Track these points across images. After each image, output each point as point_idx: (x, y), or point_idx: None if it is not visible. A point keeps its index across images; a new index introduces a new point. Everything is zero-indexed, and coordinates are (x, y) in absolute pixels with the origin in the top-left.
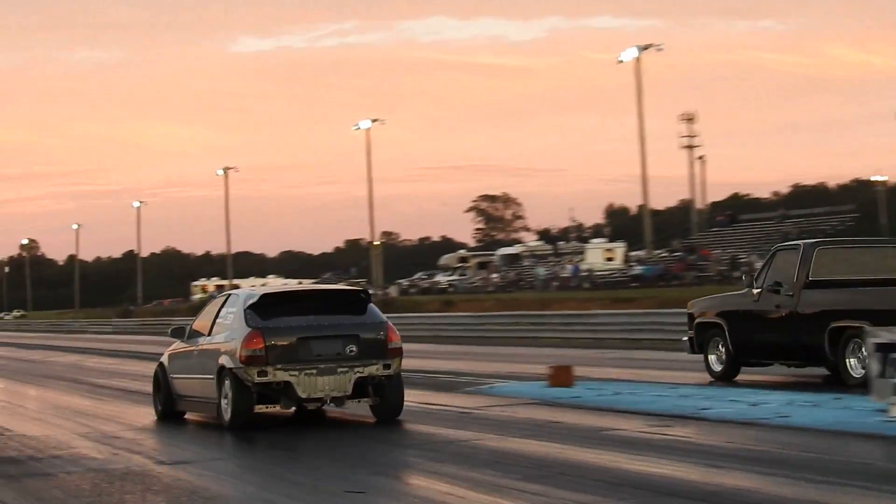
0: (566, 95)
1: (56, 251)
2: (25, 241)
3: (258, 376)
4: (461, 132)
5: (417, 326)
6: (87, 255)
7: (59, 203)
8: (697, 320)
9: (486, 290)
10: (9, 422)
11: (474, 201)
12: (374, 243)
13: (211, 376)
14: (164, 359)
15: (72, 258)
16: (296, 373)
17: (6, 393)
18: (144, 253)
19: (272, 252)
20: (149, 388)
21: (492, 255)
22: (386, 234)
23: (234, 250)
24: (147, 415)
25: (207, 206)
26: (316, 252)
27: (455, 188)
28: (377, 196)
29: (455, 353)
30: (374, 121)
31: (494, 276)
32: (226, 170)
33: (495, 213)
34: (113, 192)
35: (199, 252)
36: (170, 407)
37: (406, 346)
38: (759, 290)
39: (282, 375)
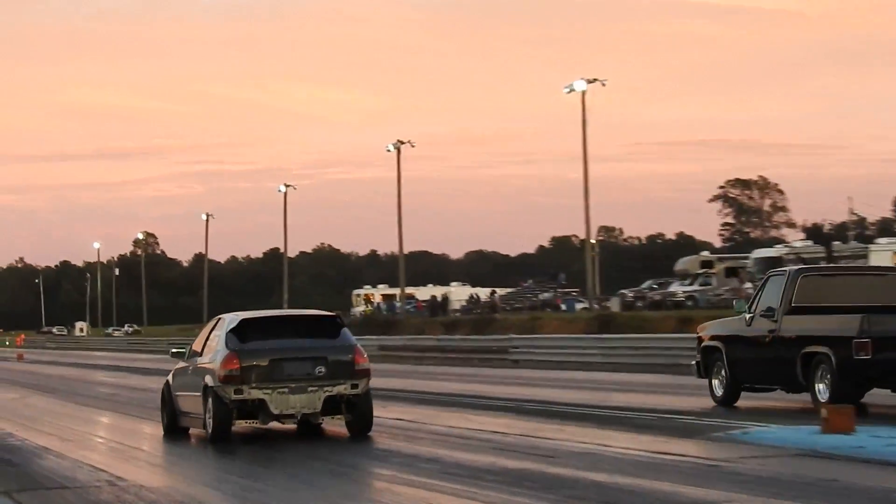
0: (846, 48)
1: (179, 249)
2: (140, 236)
3: (234, 394)
4: (700, 96)
5: (647, 352)
6: (218, 254)
7: (184, 186)
8: (703, 344)
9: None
10: (121, 468)
11: (721, 188)
12: (590, 242)
13: (199, 393)
14: (170, 377)
15: (199, 258)
16: (269, 391)
17: (117, 431)
18: (292, 252)
19: (456, 252)
20: None
21: (744, 258)
22: (605, 229)
23: (407, 250)
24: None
25: (372, 191)
26: (513, 253)
27: (695, 170)
28: (593, 178)
29: (696, 387)
30: (590, 81)
31: (747, 285)
32: (398, 145)
33: (749, 204)
34: (252, 174)
35: (363, 251)
36: (174, 423)
37: (628, 378)
38: (751, 315)
39: (256, 393)
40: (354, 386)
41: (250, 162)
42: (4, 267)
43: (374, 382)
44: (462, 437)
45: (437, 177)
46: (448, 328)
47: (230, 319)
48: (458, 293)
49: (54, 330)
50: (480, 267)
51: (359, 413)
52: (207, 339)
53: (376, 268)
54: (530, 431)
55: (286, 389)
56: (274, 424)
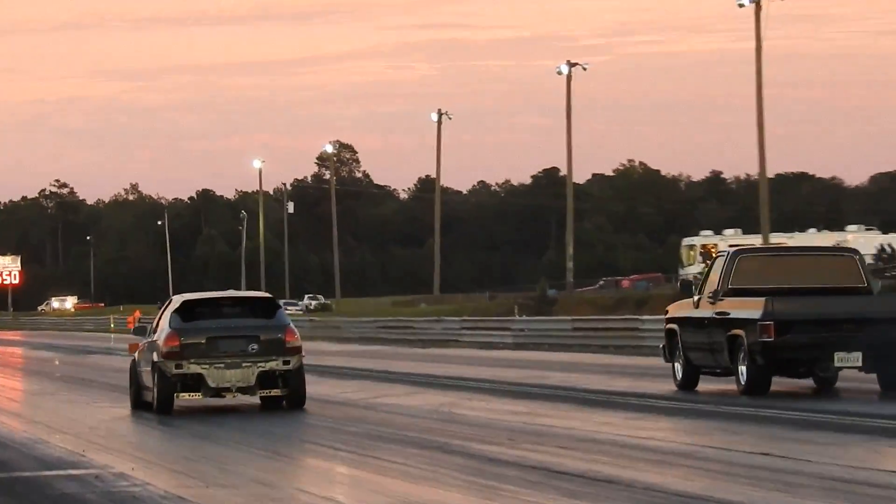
0: None
1: (393, 171)
2: (329, 149)
3: (175, 369)
4: None
5: None
6: (458, 179)
7: (400, 65)
8: (666, 326)
9: None
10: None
11: None
12: None
13: (150, 368)
14: (136, 353)
15: (426, 185)
16: (206, 366)
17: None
18: (580, 175)
19: (856, 176)
20: None
21: None
22: None
23: (772, 171)
24: None
25: (709, 74)
26: None
27: None
28: None
29: None
30: None
31: None
32: None
33: None
34: (510, 46)
35: (697, 175)
36: (138, 398)
37: None
38: (698, 297)
39: (195, 368)
40: (286, 362)
41: (508, 26)
42: (108, 200)
43: None
44: None
45: (826, 50)
46: None
47: (175, 300)
48: (859, 242)
49: None
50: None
51: (292, 387)
52: (160, 318)
53: (720, 201)
54: None
55: (222, 365)
56: (197, 396)
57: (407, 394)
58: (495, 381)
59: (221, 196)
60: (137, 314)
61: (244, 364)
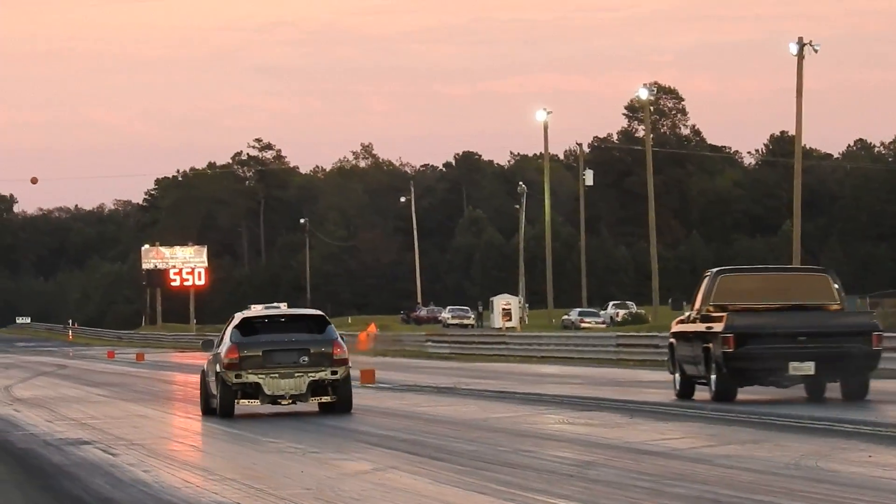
0: None
1: (741, 129)
2: (643, 94)
3: (235, 378)
4: None
5: None
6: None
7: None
8: (669, 340)
9: None
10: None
11: None
12: None
13: (214, 378)
14: (205, 365)
15: (780, 143)
16: (263, 376)
17: None
18: None
19: None
20: None
21: None
22: None
23: None
24: None
25: None
26: None
27: None
28: None
29: None
30: None
31: None
32: None
33: None
34: None
35: None
36: (207, 405)
37: None
38: (689, 313)
39: (252, 378)
40: (334, 372)
41: None
42: (328, 167)
43: None
44: None
45: None
46: None
47: (236, 317)
48: None
49: (444, 313)
50: None
51: (340, 395)
52: (224, 332)
53: None
54: None
55: (276, 375)
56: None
57: None
58: None
59: (490, 162)
60: (373, 329)
61: (296, 374)
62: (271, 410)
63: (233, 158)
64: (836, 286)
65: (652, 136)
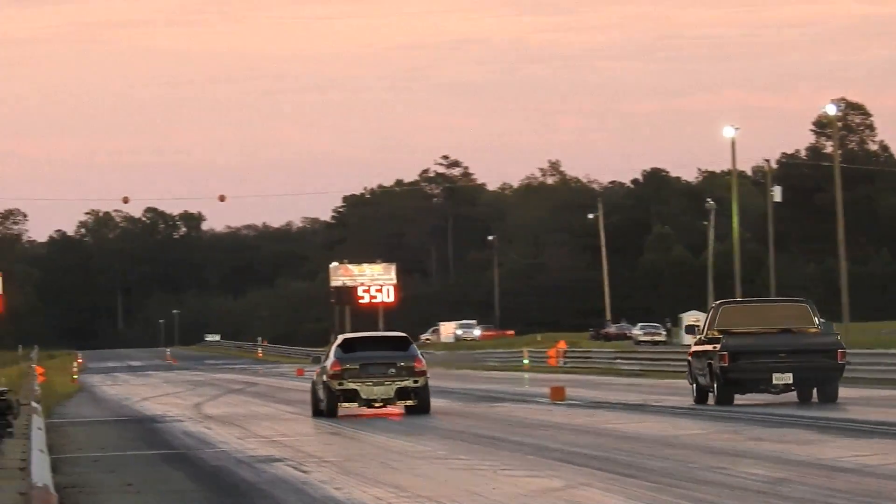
0: None
1: None
2: (831, 110)
3: (338, 385)
4: None
5: None
6: None
7: None
8: (687, 357)
9: None
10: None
11: None
12: None
13: (321, 386)
14: (314, 376)
15: None
16: (360, 384)
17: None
18: None
19: None
20: None
21: None
22: None
23: None
24: None
25: None
26: None
27: None
28: None
29: None
30: None
31: None
32: None
33: None
34: None
35: None
36: (317, 408)
37: None
38: (700, 336)
39: (351, 385)
40: (416, 381)
41: None
42: (516, 184)
43: None
44: None
45: None
46: None
47: (339, 338)
48: None
49: (635, 330)
50: None
51: (420, 399)
52: (329, 350)
53: None
54: None
55: (370, 383)
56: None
57: None
58: None
59: (677, 178)
60: (562, 346)
61: (385, 382)
62: (455, 427)
63: (420, 175)
64: (814, 313)
65: (840, 152)
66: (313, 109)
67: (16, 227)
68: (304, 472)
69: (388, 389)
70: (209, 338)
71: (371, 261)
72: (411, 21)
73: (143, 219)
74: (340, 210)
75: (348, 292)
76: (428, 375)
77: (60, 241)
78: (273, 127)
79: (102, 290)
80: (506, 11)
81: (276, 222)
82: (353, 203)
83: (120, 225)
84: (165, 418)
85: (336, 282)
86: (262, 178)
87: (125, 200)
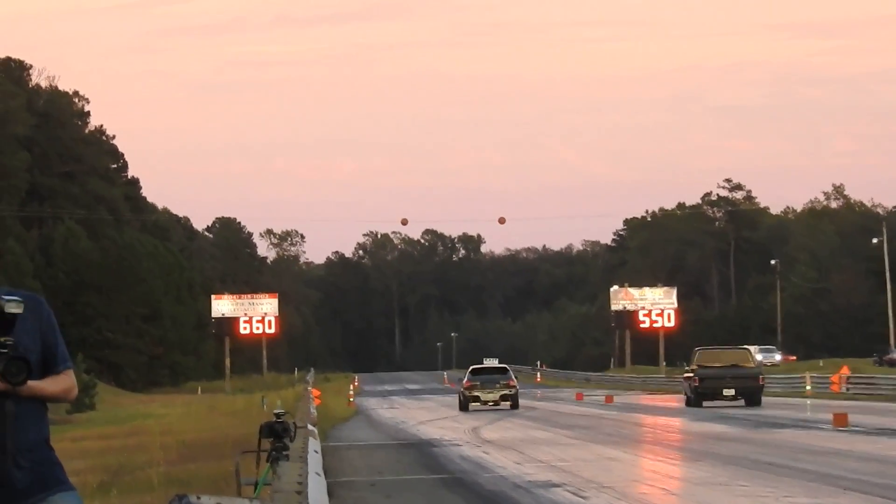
0: None
1: None
2: None
3: (469, 392)
4: None
5: None
6: None
7: None
8: (683, 375)
9: None
10: None
11: None
12: None
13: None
14: (461, 388)
15: None
16: (481, 392)
17: None
18: None
19: None
20: None
21: None
22: None
23: None
24: None
25: None
26: None
27: None
28: None
29: None
30: None
31: None
32: None
33: None
34: None
35: None
36: (462, 406)
37: None
38: (688, 366)
39: (476, 393)
40: (511, 389)
41: None
42: (799, 208)
43: None
44: None
45: None
46: None
47: (471, 368)
48: None
49: None
50: None
51: (513, 401)
52: (469, 372)
53: None
54: None
55: (487, 391)
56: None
57: None
58: None
59: None
60: (845, 371)
61: (495, 390)
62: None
63: (702, 199)
64: (753, 355)
65: None
66: (587, 132)
67: (293, 248)
68: (582, 497)
69: (496, 395)
70: (487, 362)
71: (652, 284)
72: (685, 44)
73: (422, 240)
74: (621, 233)
75: (628, 316)
76: (518, 387)
77: (338, 263)
78: (547, 149)
79: (379, 312)
80: (779, 35)
81: (556, 245)
82: (633, 226)
83: (398, 247)
84: (442, 442)
85: (616, 305)
86: (539, 200)
87: (404, 222)
